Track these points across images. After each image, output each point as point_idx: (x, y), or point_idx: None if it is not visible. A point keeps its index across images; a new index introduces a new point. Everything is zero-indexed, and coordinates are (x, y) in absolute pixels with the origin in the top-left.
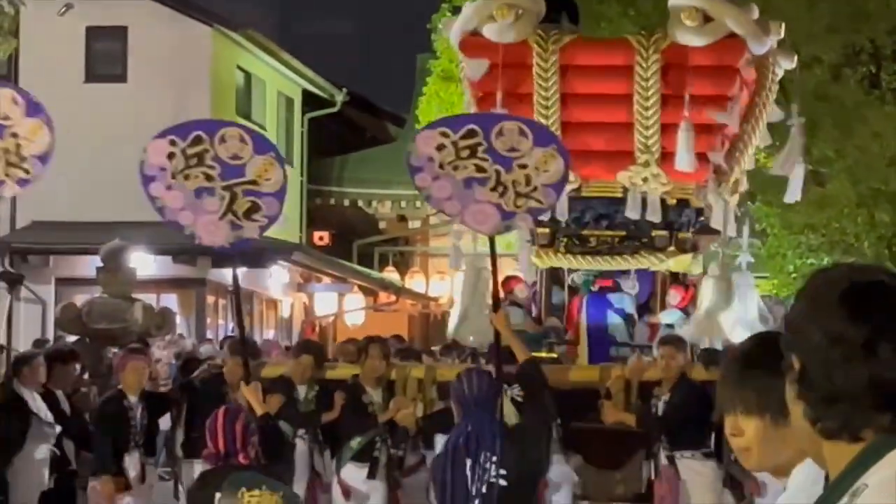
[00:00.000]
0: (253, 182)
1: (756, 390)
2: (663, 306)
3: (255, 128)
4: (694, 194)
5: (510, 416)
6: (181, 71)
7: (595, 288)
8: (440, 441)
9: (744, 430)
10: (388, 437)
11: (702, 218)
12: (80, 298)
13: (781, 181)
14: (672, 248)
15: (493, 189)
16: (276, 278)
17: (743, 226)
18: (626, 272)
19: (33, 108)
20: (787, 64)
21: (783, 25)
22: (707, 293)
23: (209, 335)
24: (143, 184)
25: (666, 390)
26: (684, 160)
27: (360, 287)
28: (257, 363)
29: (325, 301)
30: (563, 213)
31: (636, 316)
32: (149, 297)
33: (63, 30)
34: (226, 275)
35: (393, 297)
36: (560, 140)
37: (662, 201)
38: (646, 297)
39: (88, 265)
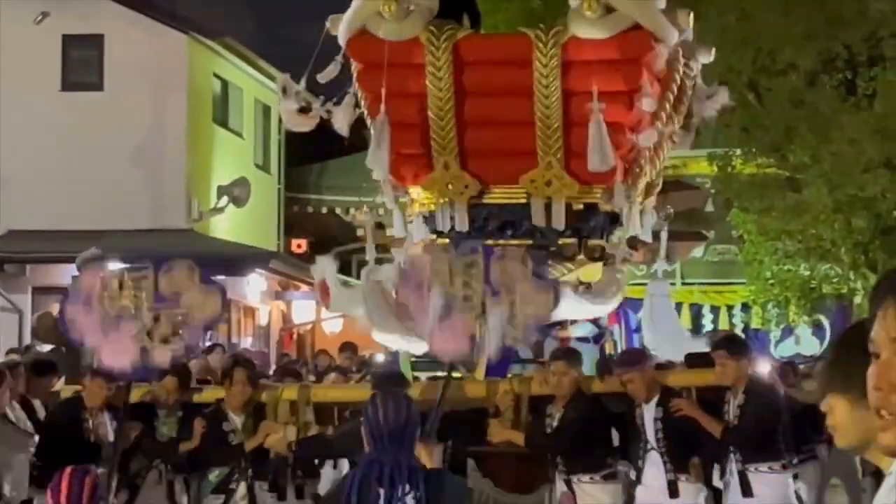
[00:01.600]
0: (183, 313)
1: (842, 371)
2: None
3: (232, 135)
4: (601, 199)
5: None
6: (158, 79)
7: None
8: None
9: (833, 409)
10: (248, 467)
11: (616, 224)
12: (56, 307)
13: (757, 187)
14: (581, 257)
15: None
16: (254, 286)
17: (662, 231)
18: None
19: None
20: (703, 58)
21: (691, 15)
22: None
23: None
24: (61, 304)
25: (560, 407)
26: (596, 158)
27: None
28: (119, 385)
29: (302, 309)
30: (463, 223)
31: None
32: None
33: (39, 38)
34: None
35: None
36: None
37: (569, 206)
38: None
39: (65, 274)
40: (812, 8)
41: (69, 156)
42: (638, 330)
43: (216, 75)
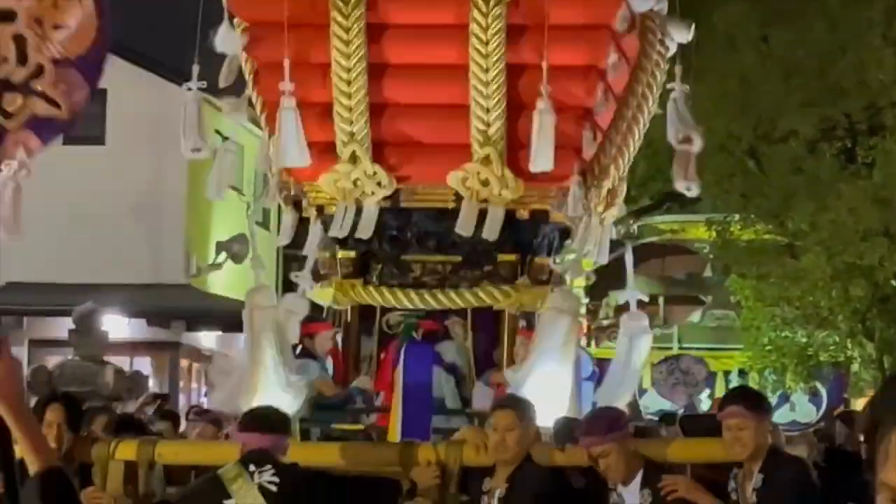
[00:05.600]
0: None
1: None
2: (511, 360)
3: (232, 191)
4: (553, 205)
5: None
6: (159, 134)
7: (418, 335)
8: None
9: None
10: None
11: (568, 240)
12: (52, 360)
13: (755, 253)
14: (524, 279)
15: None
16: None
17: (627, 254)
18: (460, 312)
19: None
20: (680, 36)
21: None
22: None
23: (181, 399)
24: None
25: (502, 480)
26: (542, 157)
27: None
28: None
29: None
30: (368, 229)
31: (473, 373)
32: (122, 360)
33: None
34: (200, 338)
35: None
36: None
37: (511, 214)
38: (488, 346)
39: (62, 327)
40: (812, 76)
41: (69, 208)
42: (593, 379)
43: (218, 132)
